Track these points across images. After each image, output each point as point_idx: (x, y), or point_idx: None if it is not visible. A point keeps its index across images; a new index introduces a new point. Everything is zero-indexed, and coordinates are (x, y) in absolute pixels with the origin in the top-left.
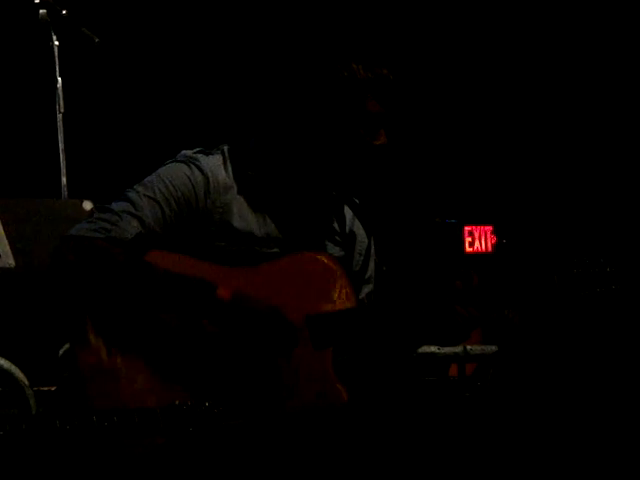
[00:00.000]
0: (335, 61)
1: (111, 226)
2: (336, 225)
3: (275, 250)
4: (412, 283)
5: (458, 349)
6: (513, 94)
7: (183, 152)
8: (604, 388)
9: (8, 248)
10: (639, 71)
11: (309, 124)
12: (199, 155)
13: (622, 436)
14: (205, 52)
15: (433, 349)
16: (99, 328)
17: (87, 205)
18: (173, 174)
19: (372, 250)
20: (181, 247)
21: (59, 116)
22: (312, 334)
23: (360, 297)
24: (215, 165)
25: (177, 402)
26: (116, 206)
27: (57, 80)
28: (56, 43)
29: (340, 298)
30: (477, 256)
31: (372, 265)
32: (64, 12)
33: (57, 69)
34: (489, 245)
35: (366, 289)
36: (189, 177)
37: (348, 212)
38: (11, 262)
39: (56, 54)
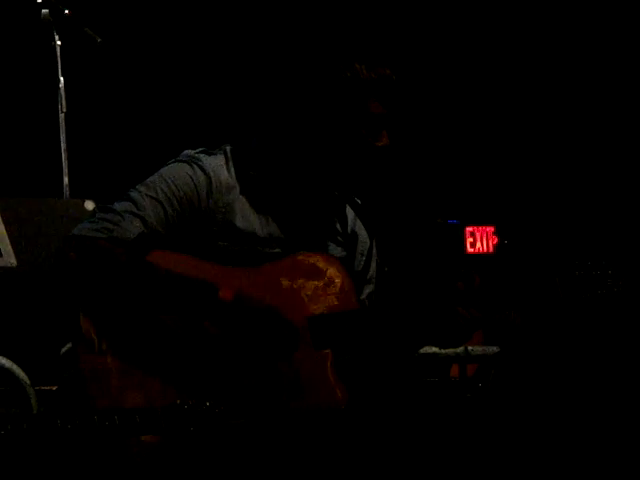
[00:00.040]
0: (338, 61)
1: (113, 226)
2: (338, 225)
3: (277, 250)
4: (413, 284)
5: (459, 350)
6: (515, 95)
7: (185, 152)
8: (605, 389)
9: (10, 247)
10: (639, 71)
11: (311, 124)
12: (201, 155)
13: (623, 437)
14: (208, 52)
15: (434, 350)
16: (101, 328)
17: (89, 205)
18: (175, 174)
19: (374, 250)
20: (183, 247)
21: (61, 116)
22: (313, 335)
23: (361, 298)
24: (217, 165)
25: (178, 401)
26: (118, 206)
27: (59, 80)
28: (58, 43)
29: (341, 299)
30: (478, 257)
31: (374, 265)
32: (66, 12)
33: (59, 69)
34: (490, 246)
35: (367, 289)
36: (191, 177)
37: (350, 212)
38: (13, 261)
39: (58, 54)
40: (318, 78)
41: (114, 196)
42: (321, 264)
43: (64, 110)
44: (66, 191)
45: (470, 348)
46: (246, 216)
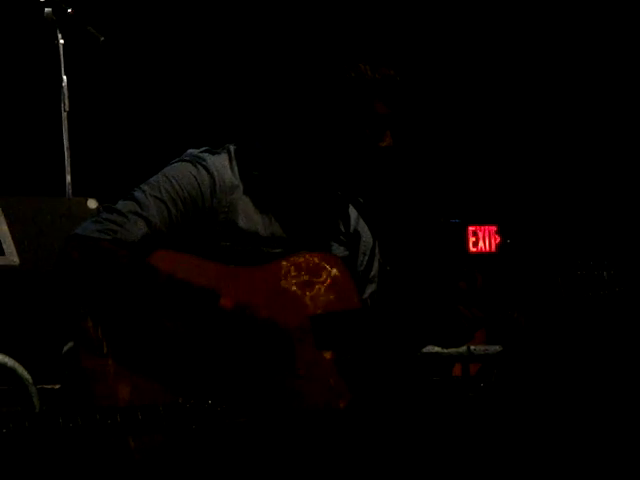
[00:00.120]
0: (343, 62)
1: (117, 227)
2: (341, 225)
3: (279, 250)
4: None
5: (462, 349)
6: (517, 94)
7: (189, 151)
8: (607, 389)
9: (12, 246)
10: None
11: (315, 124)
12: (205, 154)
13: (626, 437)
14: (211, 51)
15: (437, 349)
16: (102, 329)
17: (91, 203)
18: (179, 174)
19: (376, 250)
20: (186, 246)
21: (64, 114)
22: (315, 334)
23: (364, 297)
24: (221, 165)
25: (180, 400)
26: (123, 206)
27: (62, 79)
28: (61, 42)
29: (343, 298)
30: (481, 256)
31: (376, 265)
32: (69, 11)
33: (62, 68)
34: (493, 245)
35: (370, 289)
36: (195, 177)
37: (353, 212)
38: (15, 260)
39: (61, 53)
40: (322, 78)
41: (117, 195)
42: (323, 263)
43: (67, 109)
44: (69, 190)
45: (472, 347)
46: (249, 216)
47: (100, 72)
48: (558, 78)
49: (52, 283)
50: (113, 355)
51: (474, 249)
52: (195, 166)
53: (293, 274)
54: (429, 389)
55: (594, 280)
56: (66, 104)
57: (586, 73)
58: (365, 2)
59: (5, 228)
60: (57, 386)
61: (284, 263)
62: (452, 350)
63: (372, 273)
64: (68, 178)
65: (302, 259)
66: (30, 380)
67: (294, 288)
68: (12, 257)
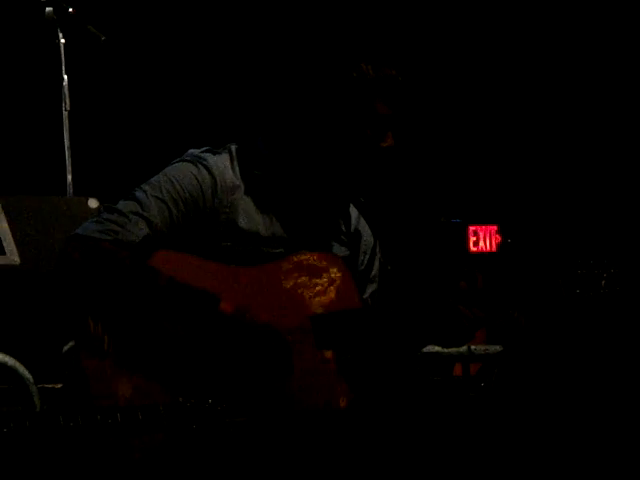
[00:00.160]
0: (344, 61)
1: (118, 228)
2: (342, 225)
3: (280, 250)
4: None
5: (462, 349)
6: (517, 95)
7: (190, 151)
8: (608, 389)
9: (13, 245)
10: None
11: (317, 124)
12: (206, 154)
13: (626, 436)
14: (213, 51)
15: (437, 349)
16: (102, 329)
17: (92, 203)
18: (181, 174)
19: (377, 249)
20: (187, 246)
21: (65, 114)
22: (316, 334)
23: (364, 297)
24: (222, 165)
25: (180, 399)
26: (124, 206)
27: (63, 78)
28: (62, 41)
29: (344, 298)
30: (481, 256)
31: (377, 264)
32: (70, 10)
33: (63, 67)
34: (494, 245)
35: (370, 288)
36: (196, 177)
37: (354, 211)
38: (16, 259)
39: (62, 52)
40: (324, 78)
41: (118, 194)
42: (323, 263)
43: (68, 108)
44: (69, 189)
45: (473, 347)
46: (250, 216)
47: (101, 71)
48: (559, 78)
49: (53, 283)
50: (113, 355)
51: (475, 249)
52: (196, 166)
53: (293, 274)
54: (430, 389)
55: (594, 279)
56: (67, 103)
57: (587, 73)
58: (367, 2)
59: (6, 227)
60: (58, 385)
61: (284, 263)
62: (453, 350)
63: (373, 273)
64: (69, 177)
65: (302, 259)
66: (31, 379)
67: (294, 288)
68: (13, 256)
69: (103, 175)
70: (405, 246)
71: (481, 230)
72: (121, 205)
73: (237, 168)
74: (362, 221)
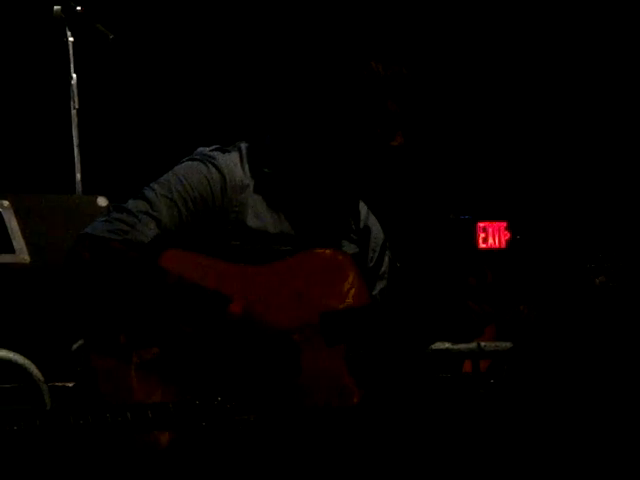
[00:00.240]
0: (355, 60)
1: (128, 227)
2: (351, 222)
3: (288, 248)
4: (425, 279)
5: (472, 345)
6: (528, 91)
7: (200, 149)
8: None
9: (23, 244)
10: None
11: (327, 123)
12: (216, 153)
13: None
14: (222, 48)
15: (447, 345)
16: (111, 328)
17: (102, 201)
18: (190, 173)
19: (387, 245)
20: (196, 245)
21: (73, 112)
22: (325, 331)
23: (373, 293)
24: (232, 163)
25: (189, 397)
26: (133, 206)
27: (72, 76)
28: (71, 39)
29: (353, 295)
30: (491, 252)
31: (386, 261)
32: (79, 8)
33: (72, 65)
34: (503, 241)
35: (380, 285)
36: (206, 176)
37: (363, 207)
38: (26, 258)
39: (71, 50)
40: (334, 77)
41: (127, 193)
42: (332, 260)
43: (76, 106)
44: (79, 187)
45: (483, 344)
46: (258, 214)
47: (109, 70)
48: (569, 75)
49: (62, 282)
50: (122, 354)
51: (484, 245)
52: (206, 165)
53: (302, 272)
54: (439, 386)
55: (603, 273)
56: (76, 102)
57: (598, 70)
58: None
59: (15, 225)
60: (68, 384)
61: (293, 261)
62: (462, 346)
63: (382, 269)
64: (78, 176)
65: (311, 256)
66: (41, 378)
67: (303, 286)
68: (22, 255)
69: (112, 173)
70: (414, 243)
71: (490, 226)
72: (131, 204)
73: (247, 166)
74: (371, 217)
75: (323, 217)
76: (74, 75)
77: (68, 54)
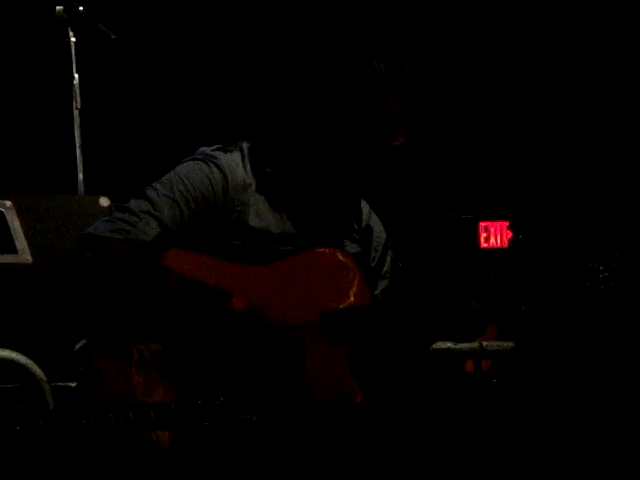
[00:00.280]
0: (357, 59)
1: (130, 227)
2: (353, 222)
3: (290, 248)
4: (427, 279)
5: (474, 345)
6: (530, 91)
7: (202, 149)
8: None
9: (25, 244)
10: None
11: (329, 122)
12: (218, 153)
13: None
14: (224, 48)
15: (449, 345)
16: (114, 328)
17: (104, 201)
18: (192, 173)
19: (389, 244)
20: (198, 245)
21: (76, 112)
22: (327, 331)
23: (375, 293)
24: (234, 163)
25: (191, 397)
26: (135, 205)
27: (74, 76)
28: (73, 39)
29: (355, 294)
30: (493, 252)
31: (388, 260)
32: (81, 9)
33: (74, 66)
34: (505, 241)
35: (382, 285)
36: (208, 176)
37: (365, 206)
38: (28, 258)
39: (73, 51)
40: (337, 77)
41: (129, 193)
42: (334, 260)
43: (79, 106)
44: (81, 187)
45: (485, 343)
46: (260, 214)
47: (112, 70)
48: (571, 75)
49: (64, 281)
50: (125, 354)
51: (485, 245)
52: (208, 165)
53: (304, 271)
54: (441, 385)
55: (606, 272)
56: (78, 102)
57: (599, 70)
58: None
59: (18, 226)
60: (71, 384)
61: (295, 260)
62: (464, 346)
63: (384, 269)
64: (80, 176)
65: (313, 256)
66: (44, 378)
67: (305, 285)
68: (25, 255)
69: (114, 173)
70: (416, 242)
71: (492, 226)
72: (132, 204)
73: (248, 166)
74: (374, 216)
75: (325, 217)
76: (76, 75)
77: (70, 54)
